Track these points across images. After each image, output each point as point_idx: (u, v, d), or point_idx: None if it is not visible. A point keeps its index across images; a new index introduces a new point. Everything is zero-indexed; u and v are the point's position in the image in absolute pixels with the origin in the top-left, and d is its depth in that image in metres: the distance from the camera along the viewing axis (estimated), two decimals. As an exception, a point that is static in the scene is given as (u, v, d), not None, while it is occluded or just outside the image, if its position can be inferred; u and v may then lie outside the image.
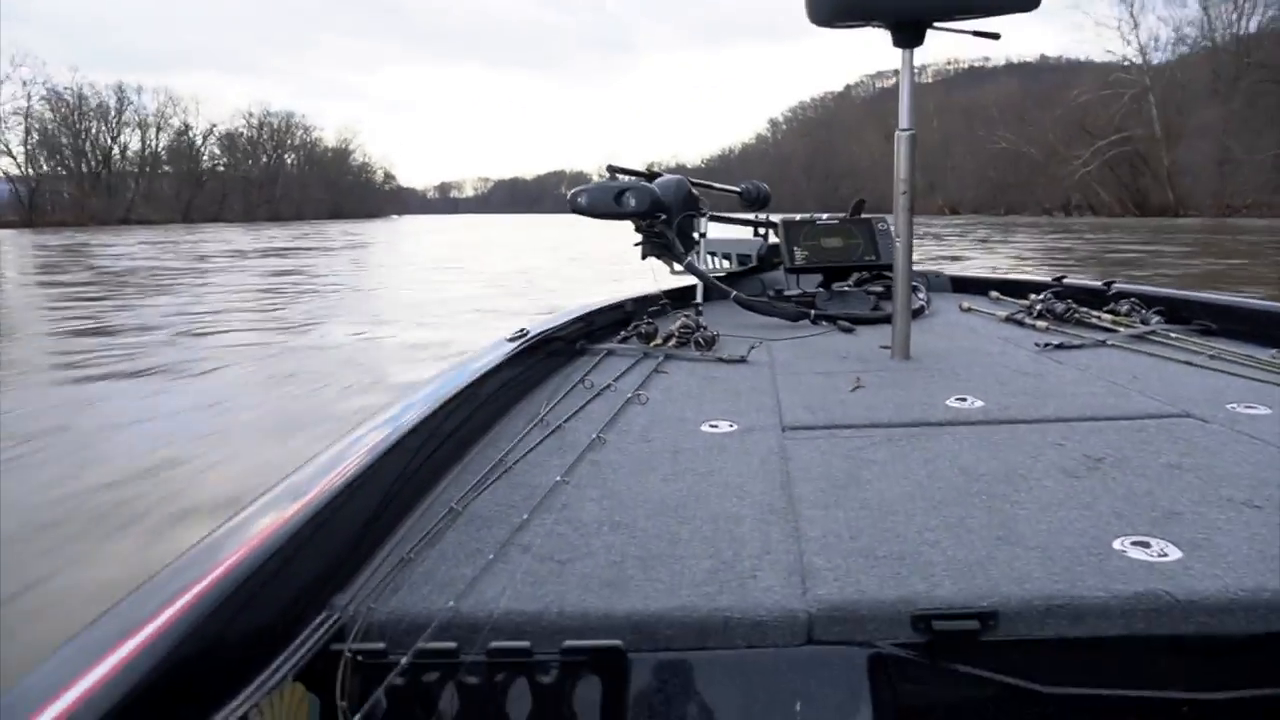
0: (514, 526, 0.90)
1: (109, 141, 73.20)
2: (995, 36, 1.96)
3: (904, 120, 1.68)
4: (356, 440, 0.99)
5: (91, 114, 72.19)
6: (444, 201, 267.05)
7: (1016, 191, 67.20)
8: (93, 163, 71.44)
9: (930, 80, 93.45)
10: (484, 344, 1.56)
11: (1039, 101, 67.14)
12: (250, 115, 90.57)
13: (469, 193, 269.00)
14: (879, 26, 1.65)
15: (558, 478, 1.05)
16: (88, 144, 71.43)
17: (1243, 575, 0.73)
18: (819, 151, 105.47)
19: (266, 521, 0.76)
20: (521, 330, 1.65)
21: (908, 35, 1.64)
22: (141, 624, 0.59)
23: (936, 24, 1.66)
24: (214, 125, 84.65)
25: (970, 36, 1.85)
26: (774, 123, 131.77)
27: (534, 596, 0.74)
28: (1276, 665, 0.71)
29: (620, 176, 2.47)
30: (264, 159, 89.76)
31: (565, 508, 0.96)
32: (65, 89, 70.23)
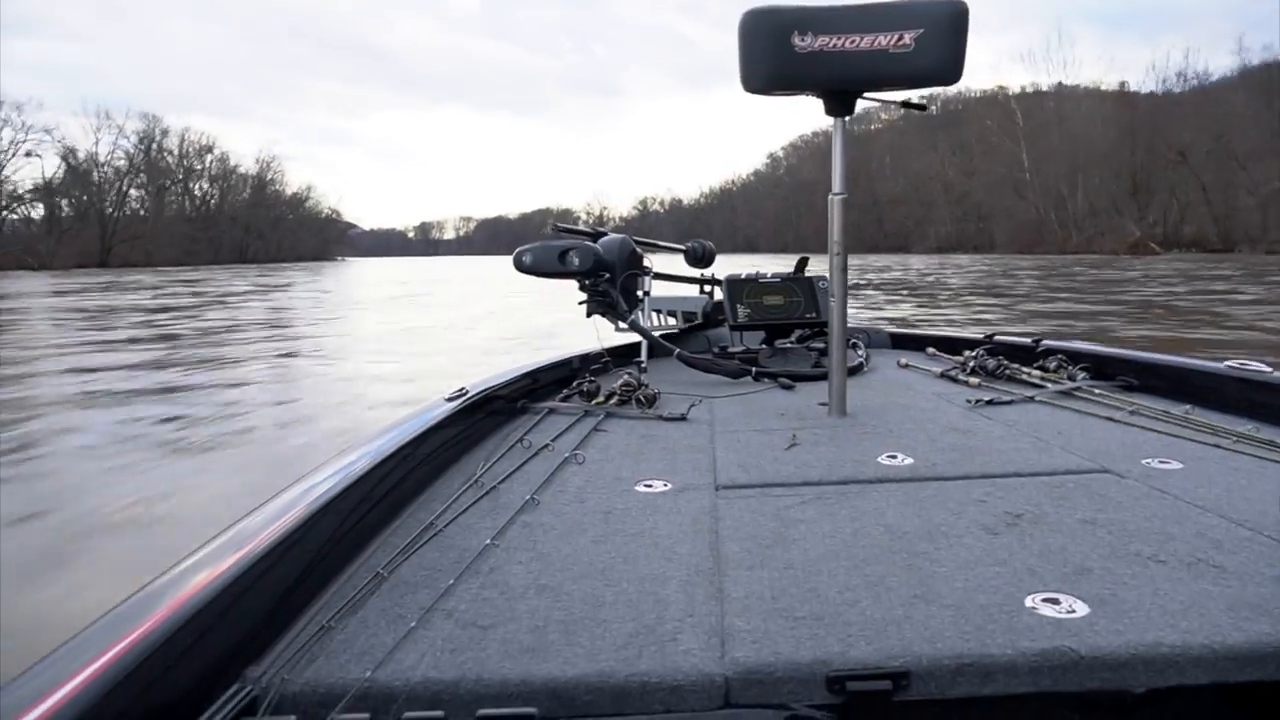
0: (439, 592, 0.90)
1: None
2: (923, 108, 2.05)
3: (837, 185, 1.74)
4: (282, 504, 0.98)
5: None
6: (423, 243, 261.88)
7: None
8: None
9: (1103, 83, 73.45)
10: (422, 403, 1.55)
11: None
12: (117, 128, 71.90)
13: (450, 234, 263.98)
14: (811, 95, 1.72)
15: (488, 540, 1.04)
16: None
17: (1143, 630, 0.75)
18: (857, 176, 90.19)
19: (179, 591, 0.74)
20: (461, 389, 1.65)
21: (838, 104, 1.71)
22: (44, 695, 0.58)
23: (866, 94, 1.74)
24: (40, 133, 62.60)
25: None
26: (774, 157, 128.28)
27: (453, 664, 0.74)
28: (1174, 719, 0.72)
29: (566, 235, 2.52)
30: (127, 188, 70.66)
31: (493, 571, 0.96)
32: None
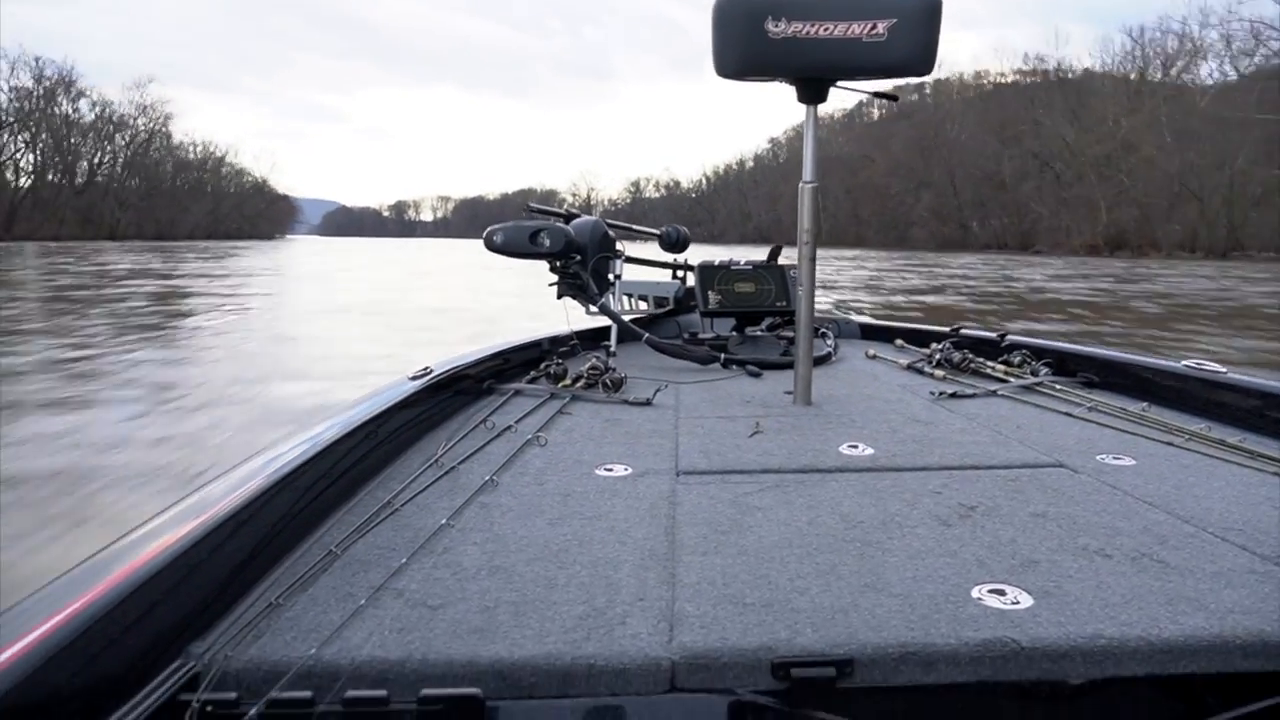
0: (391, 571, 0.89)
1: None
2: (894, 98, 2.06)
3: (807, 173, 1.74)
4: (237, 479, 0.97)
5: None
6: (399, 223, 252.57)
7: None
8: None
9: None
10: (385, 382, 1.54)
11: None
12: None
13: (426, 214, 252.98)
14: (784, 82, 1.72)
15: (444, 520, 1.04)
16: None
17: (1084, 622, 0.76)
18: (920, 153, 68.91)
19: (125, 563, 0.74)
20: (426, 368, 1.63)
21: (810, 92, 1.71)
22: None
23: (838, 83, 1.74)
24: None
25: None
26: (775, 141, 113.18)
27: (399, 643, 0.74)
28: (1111, 711, 0.73)
29: (538, 216, 2.52)
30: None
31: (446, 551, 0.95)
32: None
